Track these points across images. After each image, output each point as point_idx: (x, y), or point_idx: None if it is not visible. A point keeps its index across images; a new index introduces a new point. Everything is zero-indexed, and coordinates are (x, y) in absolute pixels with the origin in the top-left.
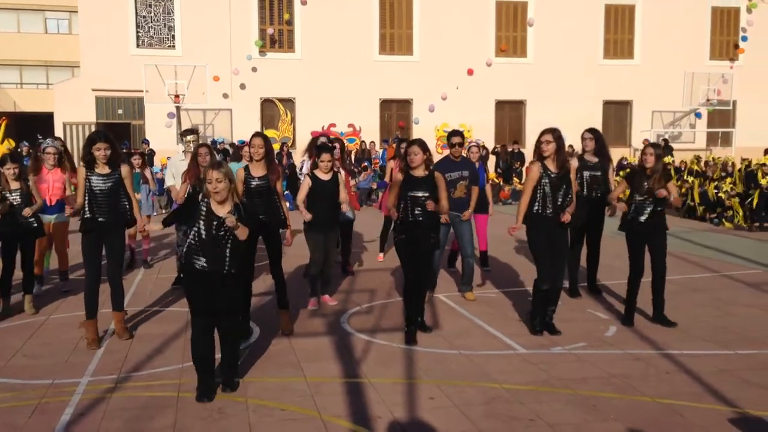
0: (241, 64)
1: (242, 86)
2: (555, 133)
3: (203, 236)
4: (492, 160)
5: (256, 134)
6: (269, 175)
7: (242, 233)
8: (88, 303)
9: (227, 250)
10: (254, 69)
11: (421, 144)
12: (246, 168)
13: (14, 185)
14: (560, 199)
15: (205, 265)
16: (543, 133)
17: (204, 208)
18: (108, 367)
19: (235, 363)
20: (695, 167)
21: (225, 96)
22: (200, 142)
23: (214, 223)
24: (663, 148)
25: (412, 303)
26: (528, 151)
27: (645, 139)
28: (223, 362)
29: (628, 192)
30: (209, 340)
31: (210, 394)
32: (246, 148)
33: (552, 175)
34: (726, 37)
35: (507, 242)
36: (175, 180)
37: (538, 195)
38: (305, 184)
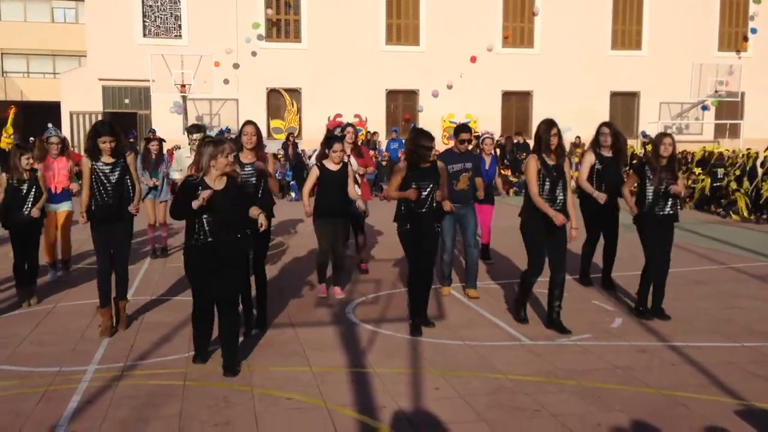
0: (242, 49)
1: (236, 65)
2: (557, 127)
3: (206, 212)
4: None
5: (248, 122)
6: (257, 163)
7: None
8: (101, 290)
9: (231, 222)
10: (254, 53)
11: (433, 139)
12: (236, 157)
13: (24, 175)
14: (557, 191)
15: (211, 239)
16: (551, 126)
17: (201, 188)
18: (115, 355)
19: (236, 345)
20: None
21: (226, 82)
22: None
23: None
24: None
25: (416, 294)
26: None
27: (642, 131)
28: (224, 345)
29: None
30: (209, 316)
31: (204, 356)
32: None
33: (550, 167)
34: (735, 28)
35: (510, 234)
36: (181, 174)
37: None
38: (312, 174)
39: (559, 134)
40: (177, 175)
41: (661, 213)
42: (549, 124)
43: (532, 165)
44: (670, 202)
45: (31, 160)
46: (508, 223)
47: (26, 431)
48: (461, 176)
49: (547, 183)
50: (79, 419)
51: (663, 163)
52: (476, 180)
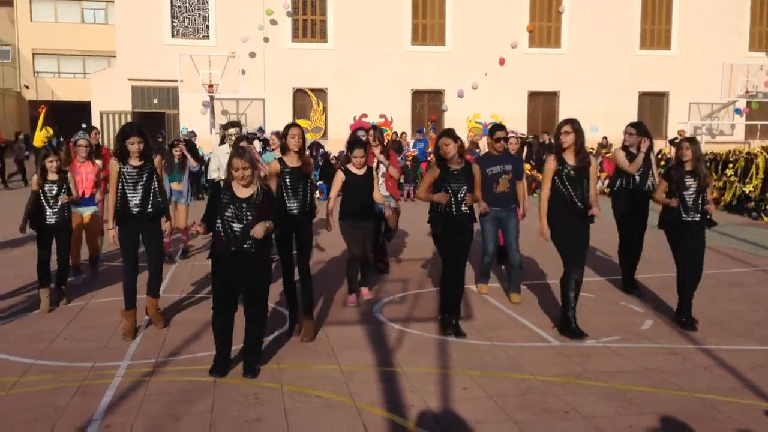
0: (268, 49)
1: (252, 54)
2: (574, 125)
3: (229, 220)
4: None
5: (294, 124)
6: (303, 166)
7: (260, 231)
8: (126, 293)
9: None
10: (266, 39)
11: (451, 134)
12: (280, 160)
13: (53, 177)
14: (579, 193)
15: (234, 246)
16: (562, 124)
17: (227, 195)
18: (147, 352)
19: (258, 349)
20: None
21: (243, 72)
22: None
23: (238, 205)
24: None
25: (448, 294)
26: None
27: (676, 136)
28: (246, 347)
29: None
30: (230, 323)
31: (222, 370)
32: (274, 138)
33: (570, 168)
34: (766, 27)
35: (535, 234)
36: (219, 173)
37: (556, 188)
38: (338, 178)
39: (576, 133)
40: (215, 174)
41: (692, 218)
42: (561, 123)
43: (548, 165)
44: (698, 209)
45: (56, 163)
46: (534, 224)
47: (61, 424)
48: (501, 179)
49: (567, 183)
50: (113, 414)
51: (687, 168)
52: (517, 184)
